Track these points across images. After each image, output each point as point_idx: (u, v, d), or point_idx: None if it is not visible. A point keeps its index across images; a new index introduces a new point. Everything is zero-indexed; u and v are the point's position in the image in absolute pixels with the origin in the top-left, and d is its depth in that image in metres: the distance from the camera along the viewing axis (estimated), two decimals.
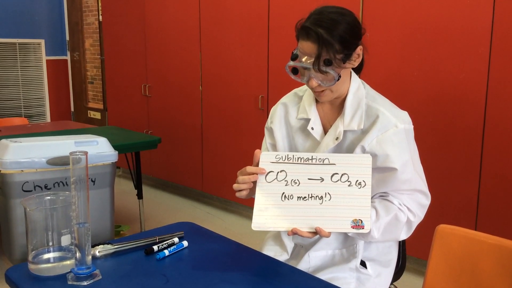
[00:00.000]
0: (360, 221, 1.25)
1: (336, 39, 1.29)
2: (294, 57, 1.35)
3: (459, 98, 2.67)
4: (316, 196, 1.28)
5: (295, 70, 1.38)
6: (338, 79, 1.34)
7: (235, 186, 1.34)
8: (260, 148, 1.54)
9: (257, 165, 1.33)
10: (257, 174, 1.31)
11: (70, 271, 1.23)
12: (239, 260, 1.38)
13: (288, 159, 1.32)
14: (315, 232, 1.26)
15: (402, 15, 2.82)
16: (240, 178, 1.33)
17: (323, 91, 1.38)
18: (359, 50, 1.36)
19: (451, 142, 2.73)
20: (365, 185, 1.27)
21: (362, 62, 1.44)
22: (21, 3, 6.18)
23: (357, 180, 1.28)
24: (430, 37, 2.73)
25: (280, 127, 1.57)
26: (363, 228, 1.25)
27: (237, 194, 1.36)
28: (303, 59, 1.33)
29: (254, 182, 1.32)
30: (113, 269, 1.30)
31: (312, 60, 1.30)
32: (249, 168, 1.32)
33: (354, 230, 1.25)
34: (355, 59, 1.37)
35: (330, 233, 1.26)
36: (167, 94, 4.57)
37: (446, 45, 2.68)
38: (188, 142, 4.42)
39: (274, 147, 1.59)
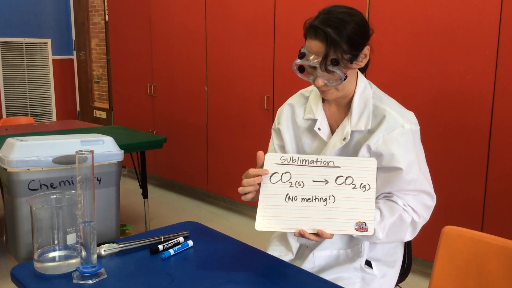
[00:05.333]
0: (364, 223, 1.25)
1: (344, 39, 1.29)
2: (302, 56, 1.35)
3: (465, 99, 2.65)
4: (320, 198, 1.28)
5: (301, 68, 1.38)
6: (345, 79, 1.34)
7: (240, 189, 1.34)
8: (265, 149, 1.53)
9: (261, 167, 1.33)
10: (261, 175, 1.31)
11: (76, 270, 1.24)
12: (244, 260, 1.38)
13: (293, 161, 1.32)
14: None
15: (409, 16, 2.81)
16: (245, 181, 1.33)
17: (329, 89, 1.38)
18: (366, 50, 1.36)
19: (458, 143, 2.72)
20: (370, 188, 1.27)
21: (367, 62, 1.44)
22: (28, 2, 6.21)
23: (361, 183, 1.28)
24: (437, 38, 2.72)
25: (288, 128, 1.57)
26: (366, 231, 1.25)
27: (243, 198, 1.35)
28: (311, 58, 1.33)
29: (259, 185, 1.32)
30: (118, 268, 1.30)
31: (319, 59, 1.30)
32: (252, 171, 1.32)
33: (358, 233, 1.25)
34: (362, 59, 1.37)
35: (332, 234, 1.26)
36: (173, 94, 4.57)
37: (453, 46, 2.67)
38: (193, 142, 4.43)
39: (282, 148, 1.59)
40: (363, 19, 1.34)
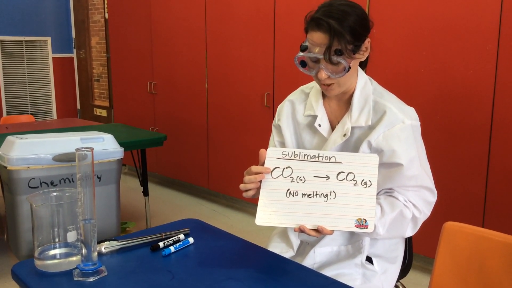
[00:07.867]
0: (364, 220, 1.24)
1: (346, 29, 1.29)
2: (304, 49, 1.34)
3: (466, 95, 2.65)
4: (321, 194, 1.27)
5: (303, 63, 1.38)
6: (348, 70, 1.33)
7: (241, 186, 1.34)
8: (266, 146, 1.53)
9: (263, 164, 1.33)
10: (263, 173, 1.31)
11: (76, 267, 1.24)
12: (245, 257, 1.38)
13: (294, 155, 1.31)
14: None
15: (409, 11, 2.81)
16: (247, 178, 1.33)
17: (331, 84, 1.38)
18: (367, 42, 1.37)
19: (459, 139, 2.72)
20: (371, 184, 1.27)
21: (367, 58, 1.44)
22: (28, 1, 6.20)
23: (363, 180, 1.27)
24: (438, 34, 2.71)
25: (288, 124, 1.57)
26: (367, 228, 1.24)
27: (244, 194, 1.35)
28: (314, 50, 1.32)
29: (261, 182, 1.32)
30: (119, 266, 1.30)
31: (323, 50, 1.30)
32: (255, 168, 1.32)
33: (358, 229, 1.25)
34: (364, 52, 1.38)
35: (332, 230, 1.26)
36: (173, 92, 4.57)
37: (453, 42, 2.66)
38: (193, 140, 4.43)
39: (282, 145, 1.59)
40: (363, 11, 1.36)
